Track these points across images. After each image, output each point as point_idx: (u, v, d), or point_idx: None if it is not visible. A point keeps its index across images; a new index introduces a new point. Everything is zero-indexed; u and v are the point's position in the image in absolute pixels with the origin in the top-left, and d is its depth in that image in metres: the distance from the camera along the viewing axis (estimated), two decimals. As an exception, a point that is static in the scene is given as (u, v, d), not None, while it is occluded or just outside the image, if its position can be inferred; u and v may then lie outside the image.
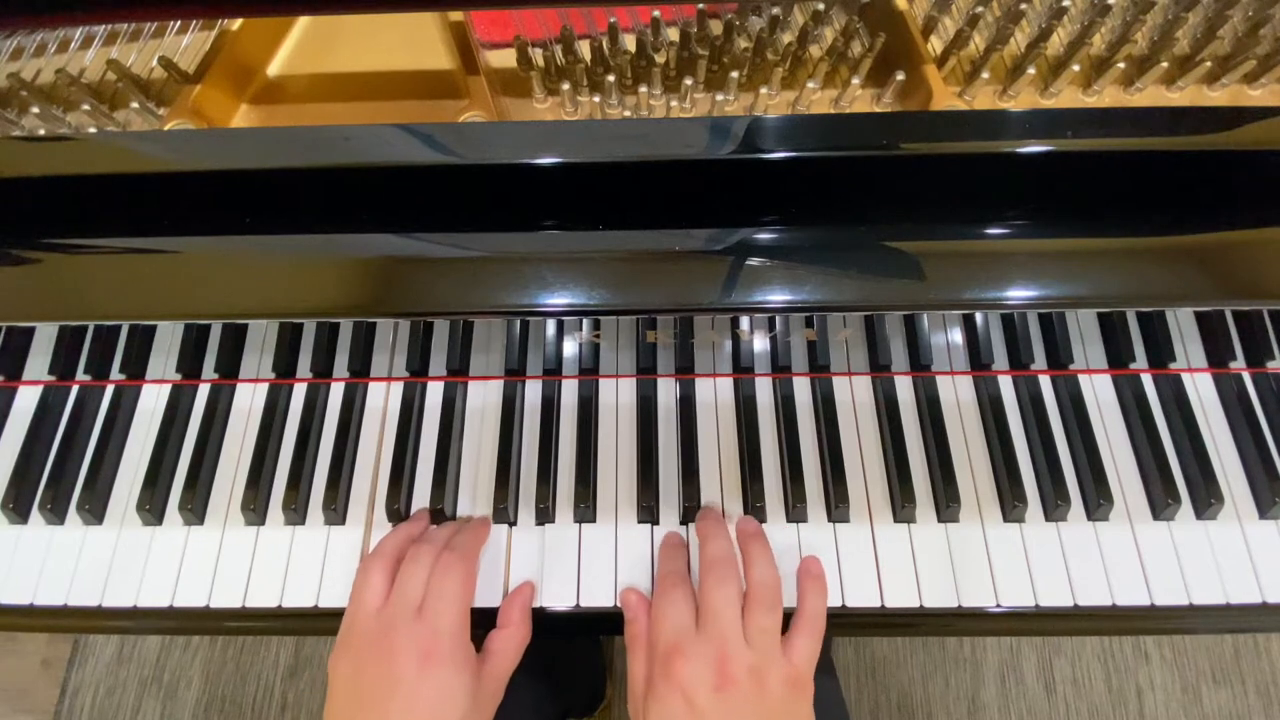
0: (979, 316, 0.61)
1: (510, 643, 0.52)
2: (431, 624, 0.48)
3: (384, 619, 0.49)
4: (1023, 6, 0.54)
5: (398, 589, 0.50)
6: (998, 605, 0.53)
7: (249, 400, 0.62)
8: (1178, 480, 0.56)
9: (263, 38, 0.58)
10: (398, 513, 0.57)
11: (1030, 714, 1.22)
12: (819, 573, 0.53)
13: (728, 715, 0.45)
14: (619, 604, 0.54)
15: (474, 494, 0.58)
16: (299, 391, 0.62)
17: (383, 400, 0.62)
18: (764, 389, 0.61)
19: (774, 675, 0.46)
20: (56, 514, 0.58)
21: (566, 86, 0.53)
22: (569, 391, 0.61)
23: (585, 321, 0.61)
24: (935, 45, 0.55)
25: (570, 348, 0.62)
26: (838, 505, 0.56)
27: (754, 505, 0.56)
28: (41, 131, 0.54)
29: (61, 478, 0.59)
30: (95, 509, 0.58)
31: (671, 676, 0.46)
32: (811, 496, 0.57)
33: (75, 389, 0.63)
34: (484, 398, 0.61)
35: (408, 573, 0.51)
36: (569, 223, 0.49)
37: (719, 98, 0.54)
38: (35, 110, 0.54)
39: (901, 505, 0.56)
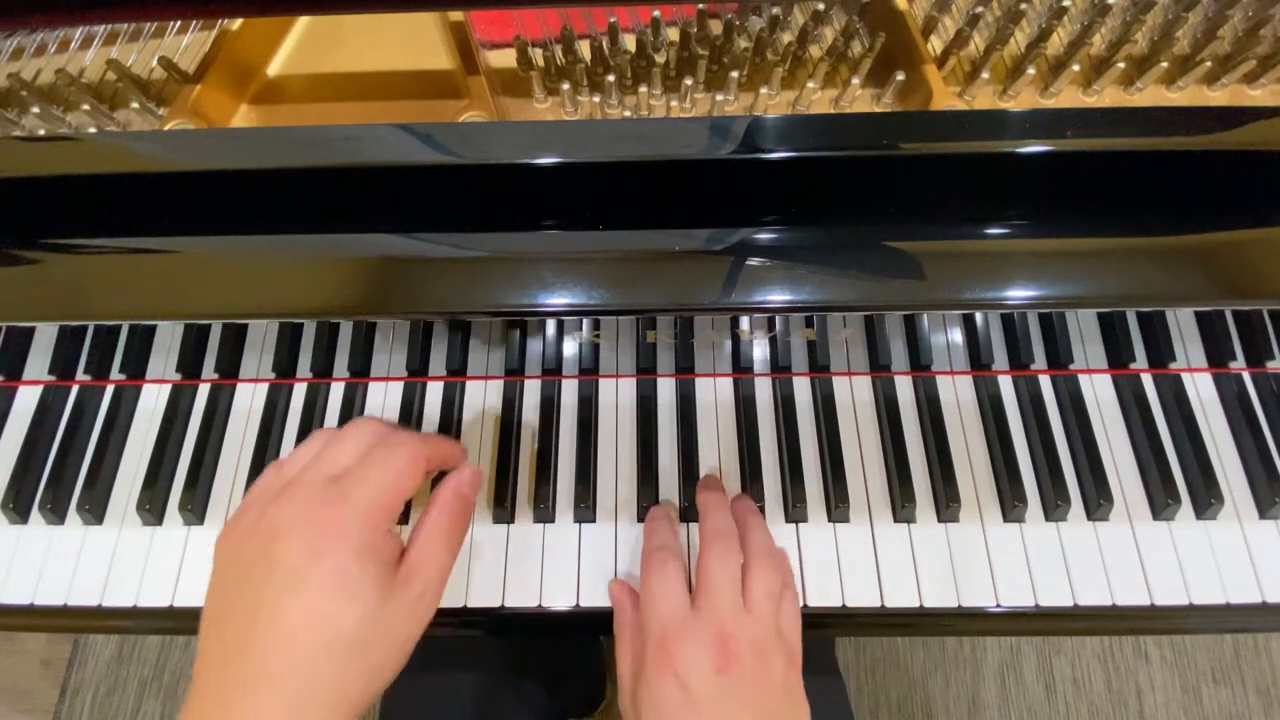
0: (979, 316, 0.61)
1: (436, 528, 0.40)
2: (341, 490, 0.38)
3: (289, 480, 0.39)
4: (1023, 6, 0.54)
5: (321, 452, 0.41)
6: (998, 605, 0.53)
7: (249, 400, 0.62)
8: (1178, 480, 0.56)
9: (263, 38, 0.58)
10: (398, 513, 0.57)
11: (1030, 714, 1.22)
12: (782, 550, 0.52)
13: (725, 700, 0.41)
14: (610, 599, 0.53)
15: (474, 494, 0.58)
16: (299, 391, 0.62)
17: (382, 400, 0.62)
18: (764, 389, 0.61)
19: (777, 652, 0.44)
20: (56, 514, 0.58)
21: (566, 86, 0.53)
22: (569, 391, 0.61)
23: (585, 321, 0.61)
24: (935, 45, 0.55)
25: (570, 348, 0.62)
26: (838, 505, 0.56)
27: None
28: (41, 131, 0.54)
29: (61, 478, 0.59)
30: (95, 509, 0.58)
31: (666, 661, 0.42)
32: (811, 496, 0.57)
33: (75, 389, 0.63)
34: (484, 398, 0.61)
35: (342, 434, 0.41)
36: (569, 223, 0.49)
37: (719, 98, 0.54)
38: (35, 110, 0.54)
39: (901, 505, 0.56)
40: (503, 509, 0.57)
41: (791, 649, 0.46)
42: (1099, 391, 0.60)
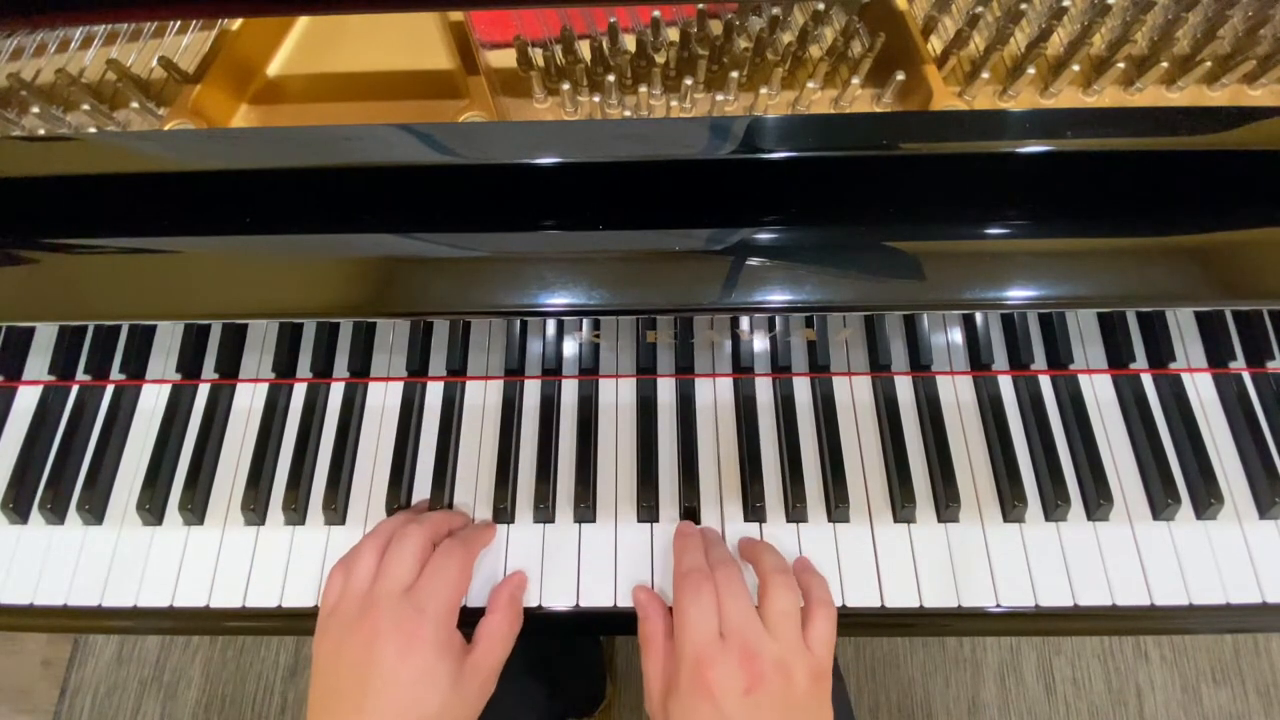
0: (979, 316, 0.61)
1: (498, 629, 0.51)
2: (418, 604, 0.47)
3: (369, 597, 0.48)
4: (1023, 6, 0.54)
5: (384, 567, 0.49)
6: (998, 605, 0.53)
7: (249, 400, 0.62)
8: (1178, 480, 0.56)
9: (263, 38, 0.58)
10: (397, 512, 0.57)
11: (1030, 714, 1.22)
12: (813, 566, 0.54)
13: (755, 717, 0.44)
14: (631, 602, 0.53)
15: (474, 494, 0.58)
16: (299, 391, 0.62)
17: (382, 400, 0.62)
18: (764, 389, 0.61)
19: (799, 668, 0.46)
20: (56, 514, 0.58)
21: (566, 86, 0.53)
22: (569, 391, 0.61)
23: (585, 321, 0.61)
24: (935, 45, 0.55)
25: (570, 348, 0.62)
26: (838, 505, 0.56)
27: (754, 505, 0.56)
28: (41, 131, 0.54)
29: (61, 478, 0.59)
30: (95, 509, 0.58)
31: (701, 685, 0.45)
32: (811, 496, 0.57)
33: (75, 389, 0.63)
34: (484, 398, 0.61)
35: (396, 552, 0.50)
36: (569, 223, 0.49)
37: (719, 98, 0.54)
38: (35, 110, 0.54)
39: (901, 505, 0.56)
40: (502, 509, 0.57)
41: (818, 664, 0.47)
42: (1099, 391, 0.60)
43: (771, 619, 0.47)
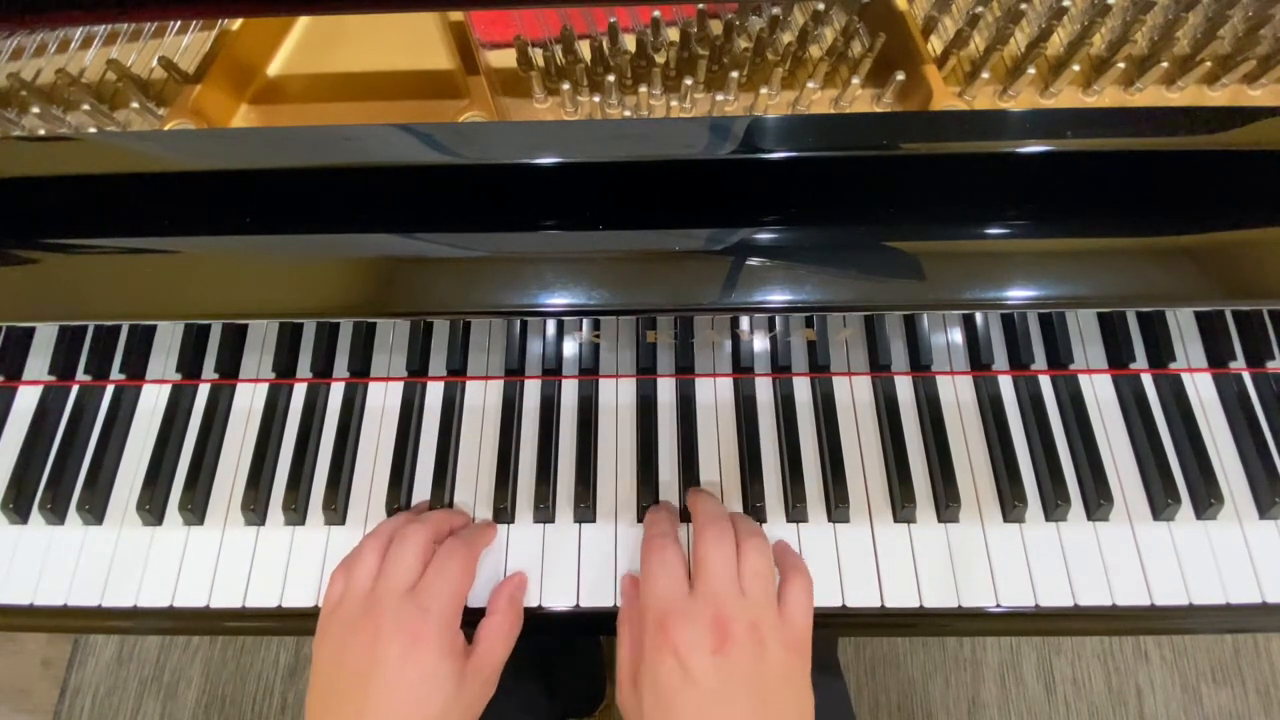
0: (979, 316, 0.61)
1: (498, 630, 0.50)
2: (421, 604, 0.47)
3: (372, 597, 0.48)
4: (1023, 6, 0.54)
5: (387, 567, 0.49)
6: (998, 605, 0.53)
7: (249, 400, 0.62)
8: (1178, 480, 0.56)
9: (263, 38, 0.58)
10: (398, 512, 0.57)
11: (1030, 714, 1.22)
12: (791, 548, 0.54)
13: (724, 680, 0.43)
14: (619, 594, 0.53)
15: (474, 494, 0.58)
16: (299, 391, 0.62)
17: (382, 400, 0.62)
18: (764, 389, 0.61)
19: (772, 634, 0.45)
20: (56, 514, 0.58)
21: (566, 86, 0.53)
22: (569, 391, 0.61)
23: (585, 321, 0.61)
24: (935, 45, 0.55)
25: (570, 348, 0.62)
26: (838, 505, 0.56)
27: (754, 505, 0.56)
28: (41, 131, 0.54)
29: (61, 478, 0.59)
30: (95, 509, 0.58)
31: (665, 640, 0.44)
32: (811, 496, 0.57)
33: (75, 389, 0.63)
34: (484, 398, 0.61)
35: (398, 551, 0.50)
36: (569, 223, 0.49)
37: (719, 98, 0.54)
38: (35, 110, 0.54)
39: (901, 505, 0.56)
40: (502, 509, 0.57)
41: (795, 637, 0.47)
42: (1099, 391, 0.60)
43: (745, 577, 0.47)
